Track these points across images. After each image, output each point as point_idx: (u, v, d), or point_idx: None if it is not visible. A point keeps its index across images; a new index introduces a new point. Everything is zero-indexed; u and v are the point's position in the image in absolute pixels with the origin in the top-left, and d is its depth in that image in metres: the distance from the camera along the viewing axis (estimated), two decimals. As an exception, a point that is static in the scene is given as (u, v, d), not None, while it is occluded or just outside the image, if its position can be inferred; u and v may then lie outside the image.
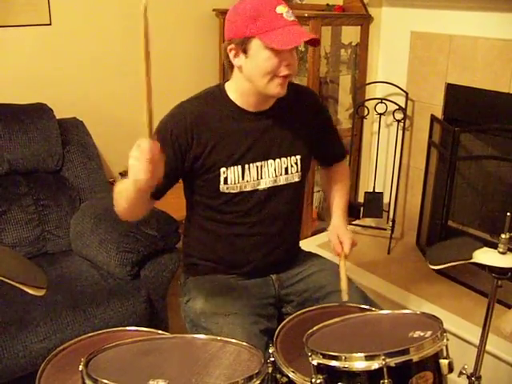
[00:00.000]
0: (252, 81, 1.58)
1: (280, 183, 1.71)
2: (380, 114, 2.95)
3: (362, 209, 3.04)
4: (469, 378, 1.52)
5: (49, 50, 2.74)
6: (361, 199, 3.15)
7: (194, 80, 3.20)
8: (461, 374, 1.49)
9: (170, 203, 1.87)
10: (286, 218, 1.76)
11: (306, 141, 1.75)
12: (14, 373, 1.90)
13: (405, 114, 2.87)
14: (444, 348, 1.23)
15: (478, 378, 1.53)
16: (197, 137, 1.61)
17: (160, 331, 1.48)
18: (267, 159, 1.68)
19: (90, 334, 1.48)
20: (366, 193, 3.06)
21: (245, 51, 1.54)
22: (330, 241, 1.78)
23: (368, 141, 3.21)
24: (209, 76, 3.27)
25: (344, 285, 1.63)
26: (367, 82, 3.11)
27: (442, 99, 2.72)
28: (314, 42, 1.60)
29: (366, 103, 3.00)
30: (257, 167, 1.67)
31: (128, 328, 1.53)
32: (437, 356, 1.21)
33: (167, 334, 1.44)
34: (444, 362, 1.21)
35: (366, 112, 3.00)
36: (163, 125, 1.63)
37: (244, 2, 1.54)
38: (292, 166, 1.72)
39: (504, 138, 2.52)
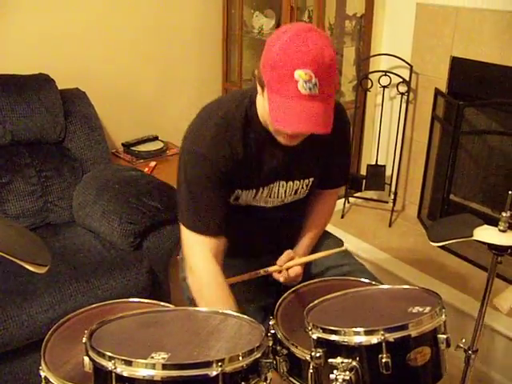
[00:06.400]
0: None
1: (287, 202, 1.65)
2: (384, 87, 2.93)
3: (364, 181, 3.05)
4: (465, 351, 1.55)
5: (50, 21, 2.70)
6: (363, 172, 3.15)
7: (197, 47, 3.21)
8: (458, 347, 1.52)
9: (172, 175, 1.86)
10: (292, 217, 1.72)
11: (321, 162, 1.64)
12: (19, 341, 1.93)
13: (409, 86, 2.85)
14: (442, 323, 1.24)
15: (475, 352, 1.55)
16: (229, 165, 1.49)
17: (162, 303, 1.50)
18: (280, 180, 1.59)
19: (92, 306, 1.49)
20: (368, 165, 3.06)
21: (262, 87, 1.36)
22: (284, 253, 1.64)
23: (371, 113, 3.19)
24: (211, 44, 3.26)
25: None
26: (371, 54, 3.08)
27: (447, 73, 2.69)
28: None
29: (370, 75, 2.98)
30: (269, 188, 1.59)
31: (130, 300, 1.55)
32: (435, 331, 1.22)
33: (169, 306, 1.46)
34: (442, 338, 1.23)
35: (369, 84, 2.98)
36: (202, 158, 1.47)
37: (279, 39, 1.28)
38: (303, 187, 1.64)
39: (509, 112, 2.51)
